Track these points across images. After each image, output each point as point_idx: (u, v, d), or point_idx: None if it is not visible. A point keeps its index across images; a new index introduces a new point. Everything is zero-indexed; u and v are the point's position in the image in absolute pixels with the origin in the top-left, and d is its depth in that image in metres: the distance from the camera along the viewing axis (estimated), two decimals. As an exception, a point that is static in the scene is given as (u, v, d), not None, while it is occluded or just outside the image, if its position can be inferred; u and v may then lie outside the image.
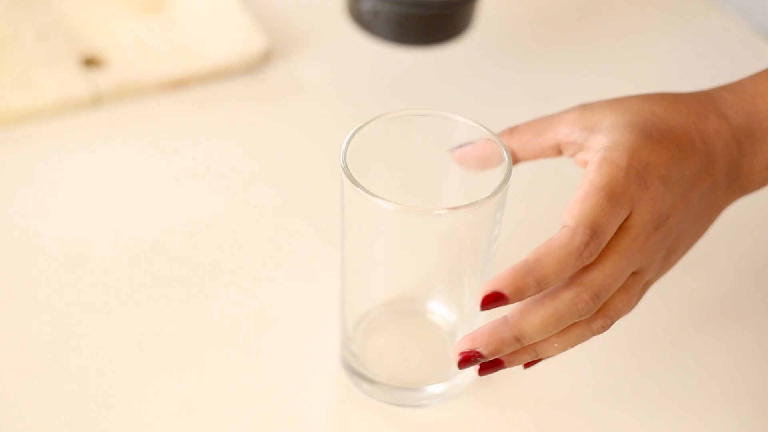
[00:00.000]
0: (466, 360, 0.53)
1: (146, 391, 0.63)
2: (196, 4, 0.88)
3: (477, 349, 0.53)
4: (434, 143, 0.61)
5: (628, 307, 0.56)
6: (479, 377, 0.64)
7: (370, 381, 0.63)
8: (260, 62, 0.85)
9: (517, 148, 0.60)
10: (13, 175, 0.76)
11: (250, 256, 0.71)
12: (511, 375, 0.64)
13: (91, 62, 0.83)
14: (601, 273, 0.53)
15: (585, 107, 0.59)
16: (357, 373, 0.63)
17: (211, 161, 0.78)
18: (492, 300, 0.52)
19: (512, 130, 0.60)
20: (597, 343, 0.64)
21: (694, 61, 0.91)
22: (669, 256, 0.57)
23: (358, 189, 0.56)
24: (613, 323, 0.55)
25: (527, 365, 0.57)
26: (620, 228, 0.54)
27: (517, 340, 0.53)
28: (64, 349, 0.65)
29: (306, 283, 0.69)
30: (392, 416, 0.63)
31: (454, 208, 0.56)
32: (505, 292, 0.52)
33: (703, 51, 0.92)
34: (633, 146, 0.55)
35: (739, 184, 0.60)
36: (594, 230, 0.52)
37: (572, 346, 0.55)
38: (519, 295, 0.52)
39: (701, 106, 0.59)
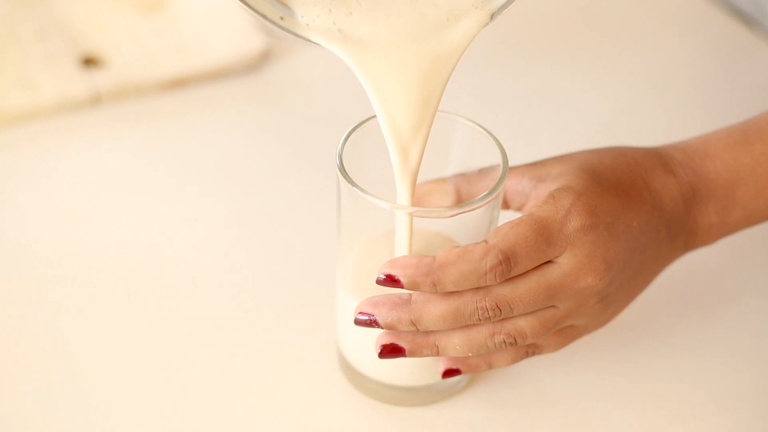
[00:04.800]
0: (364, 322, 0.56)
1: (146, 390, 0.63)
2: (195, 4, 0.88)
3: (375, 317, 0.55)
4: (431, 142, 0.61)
5: (536, 334, 0.56)
6: (477, 377, 0.64)
7: (368, 380, 0.63)
8: (259, 62, 0.85)
9: (464, 189, 0.61)
10: (13, 174, 0.77)
11: (248, 255, 0.71)
12: (509, 374, 0.64)
13: (90, 62, 0.84)
14: (511, 291, 0.55)
15: (533, 162, 0.60)
16: (355, 373, 0.63)
17: (210, 160, 0.78)
18: (389, 281, 0.54)
19: (462, 175, 0.61)
20: (594, 342, 0.64)
21: (694, 61, 0.90)
22: (606, 308, 0.58)
23: (354, 189, 0.56)
24: (517, 343, 0.56)
25: (446, 375, 0.59)
26: (552, 262, 0.55)
27: (413, 324, 0.55)
28: (63, 348, 0.65)
29: (304, 282, 0.69)
30: (390, 416, 0.63)
31: (451, 208, 0.56)
32: (402, 280, 0.54)
33: (704, 51, 0.92)
34: (582, 190, 0.56)
35: (683, 240, 0.60)
36: (507, 257, 0.54)
37: (474, 352, 0.57)
38: (413, 287, 0.54)
39: (648, 160, 0.59)
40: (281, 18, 0.53)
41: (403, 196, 0.56)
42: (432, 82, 0.55)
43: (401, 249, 0.58)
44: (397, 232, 0.58)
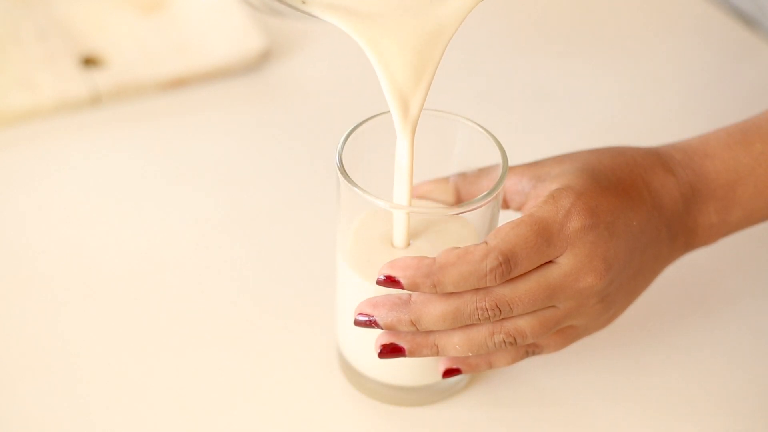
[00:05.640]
0: (363, 322, 0.56)
1: (146, 390, 0.63)
2: (195, 4, 0.88)
3: (375, 317, 0.56)
4: (431, 142, 0.61)
5: (536, 334, 0.56)
6: (477, 377, 0.64)
7: (368, 380, 0.63)
8: (259, 61, 0.85)
9: (463, 189, 0.61)
10: (13, 174, 0.77)
11: (248, 255, 0.71)
12: (509, 374, 0.64)
13: (90, 62, 0.84)
14: (511, 291, 0.55)
15: (533, 162, 0.60)
16: (355, 373, 0.63)
17: (210, 160, 0.78)
18: (389, 282, 0.54)
19: (462, 175, 0.61)
20: (594, 342, 0.64)
21: (694, 61, 0.90)
22: (607, 308, 0.58)
23: (354, 188, 0.56)
24: (517, 343, 0.56)
25: (446, 375, 0.59)
26: (552, 262, 0.55)
27: (413, 324, 0.55)
28: (63, 348, 0.65)
29: (304, 282, 0.69)
30: (390, 416, 0.63)
31: (451, 208, 0.56)
32: (402, 281, 0.54)
33: (704, 51, 0.92)
34: (582, 190, 0.56)
35: (683, 240, 0.60)
36: (507, 259, 0.54)
37: (474, 352, 0.57)
38: (413, 288, 0.54)
39: (648, 160, 0.59)
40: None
41: (404, 148, 0.56)
42: (433, 45, 0.55)
43: (399, 232, 0.58)
44: (395, 221, 0.58)
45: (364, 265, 0.58)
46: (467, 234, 0.58)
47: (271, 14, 0.64)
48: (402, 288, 0.54)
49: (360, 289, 0.58)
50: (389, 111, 0.56)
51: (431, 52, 0.55)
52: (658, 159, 0.59)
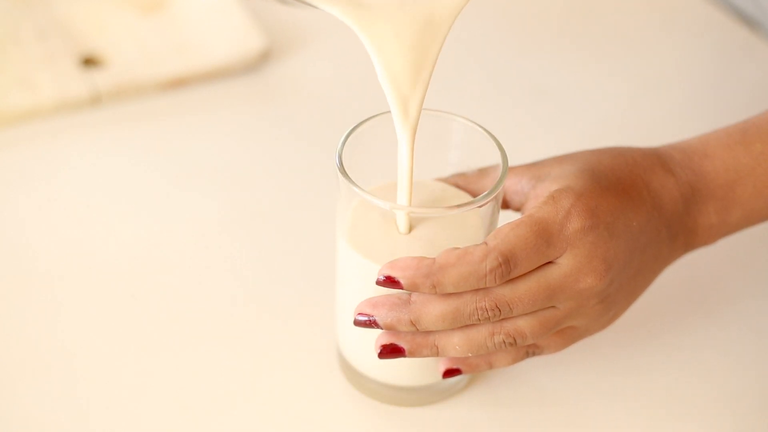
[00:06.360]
0: (363, 323, 0.56)
1: (145, 390, 0.63)
2: (195, 4, 0.88)
3: (374, 317, 0.56)
4: (431, 142, 0.61)
5: (536, 335, 0.56)
6: (477, 377, 0.64)
7: (368, 380, 0.63)
8: (259, 61, 0.85)
9: (463, 189, 0.61)
10: (12, 174, 0.77)
11: (248, 255, 0.71)
12: (509, 374, 0.64)
13: (90, 62, 0.84)
14: (511, 291, 0.55)
15: (533, 162, 0.60)
16: (355, 373, 0.63)
17: (210, 160, 0.78)
18: (388, 282, 0.54)
19: (462, 175, 0.61)
20: (594, 342, 0.64)
21: (694, 61, 0.91)
22: (607, 308, 0.58)
23: (354, 188, 0.56)
24: (517, 344, 0.56)
25: (446, 375, 0.59)
26: (552, 263, 0.55)
27: (413, 324, 0.55)
28: (63, 348, 0.65)
29: (304, 282, 0.69)
30: (390, 416, 0.62)
31: (451, 208, 0.56)
32: (401, 282, 0.54)
33: (704, 51, 0.92)
34: (581, 190, 0.56)
35: (683, 240, 0.60)
36: (507, 259, 0.54)
37: (474, 352, 0.56)
38: (413, 288, 0.54)
39: (648, 160, 0.59)
40: None
41: (404, 148, 0.56)
42: (431, 33, 0.55)
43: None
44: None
45: (367, 249, 0.58)
46: (470, 218, 0.58)
47: (276, 1, 0.65)
48: (401, 288, 0.54)
49: (361, 280, 0.58)
50: (389, 111, 0.56)
51: (429, 48, 0.55)
52: (657, 159, 0.59)
